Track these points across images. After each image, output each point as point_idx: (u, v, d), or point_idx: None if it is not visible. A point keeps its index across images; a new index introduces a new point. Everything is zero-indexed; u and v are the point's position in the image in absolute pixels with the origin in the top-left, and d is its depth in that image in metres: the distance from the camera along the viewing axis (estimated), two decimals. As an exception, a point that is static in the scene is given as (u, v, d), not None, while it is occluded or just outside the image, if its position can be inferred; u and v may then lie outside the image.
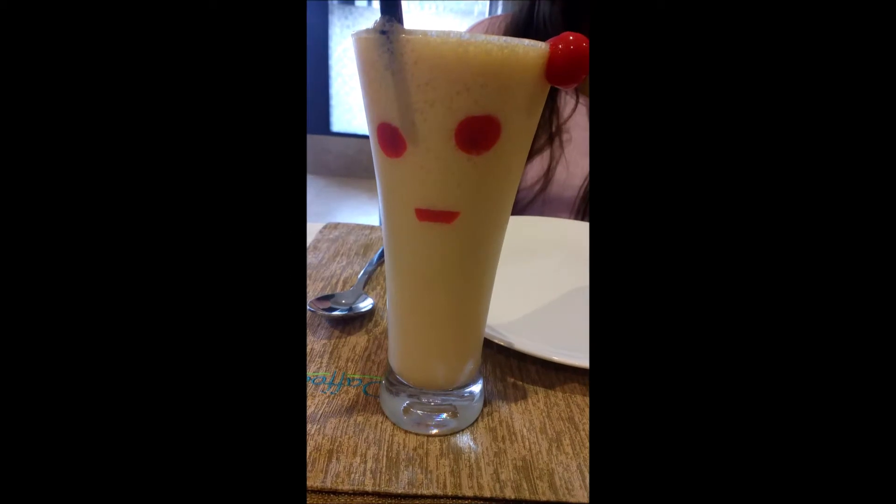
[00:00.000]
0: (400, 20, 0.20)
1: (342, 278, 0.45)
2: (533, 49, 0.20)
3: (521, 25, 0.63)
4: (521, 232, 0.51)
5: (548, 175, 0.62)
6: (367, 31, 0.20)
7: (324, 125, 3.16)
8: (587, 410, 0.30)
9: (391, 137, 0.22)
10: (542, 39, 0.21)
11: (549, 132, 0.62)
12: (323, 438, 0.27)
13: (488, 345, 0.34)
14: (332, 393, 0.30)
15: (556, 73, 0.21)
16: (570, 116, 0.63)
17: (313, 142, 3.12)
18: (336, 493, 0.24)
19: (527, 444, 0.27)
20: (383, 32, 0.20)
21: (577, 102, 0.64)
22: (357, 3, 3.03)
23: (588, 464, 0.26)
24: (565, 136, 0.63)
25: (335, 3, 2.97)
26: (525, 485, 0.25)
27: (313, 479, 0.24)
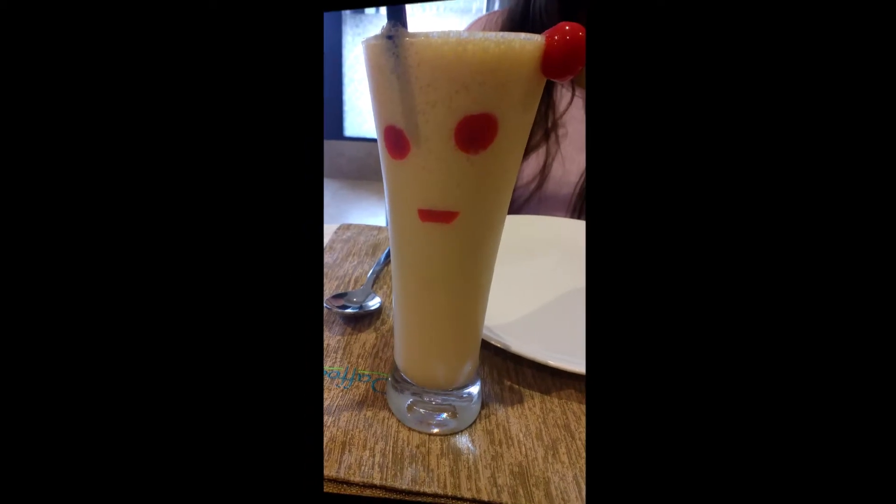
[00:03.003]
0: (404, 25, 0.20)
1: (353, 277, 0.46)
2: (529, 42, 0.20)
3: (518, 19, 0.62)
4: (518, 231, 0.50)
5: (544, 172, 0.61)
6: (376, 37, 0.21)
7: (338, 130, 3.19)
8: (583, 418, 0.30)
9: (396, 139, 0.22)
10: (539, 32, 0.21)
11: (544, 128, 0.61)
12: (337, 430, 0.27)
13: (485, 346, 0.33)
14: (345, 387, 0.31)
15: (551, 65, 0.21)
16: (566, 110, 0.62)
17: (328, 146, 3.15)
18: (348, 483, 0.25)
19: (523, 449, 0.27)
20: (389, 37, 0.20)
21: (573, 95, 0.62)
22: (367, 11, 3.06)
23: (584, 475, 0.26)
24: (561, 131, 0.61)
25: (347, 12, 3.00)
26: (521, 491, 0.25)
27: (329, 469, 0.25)
